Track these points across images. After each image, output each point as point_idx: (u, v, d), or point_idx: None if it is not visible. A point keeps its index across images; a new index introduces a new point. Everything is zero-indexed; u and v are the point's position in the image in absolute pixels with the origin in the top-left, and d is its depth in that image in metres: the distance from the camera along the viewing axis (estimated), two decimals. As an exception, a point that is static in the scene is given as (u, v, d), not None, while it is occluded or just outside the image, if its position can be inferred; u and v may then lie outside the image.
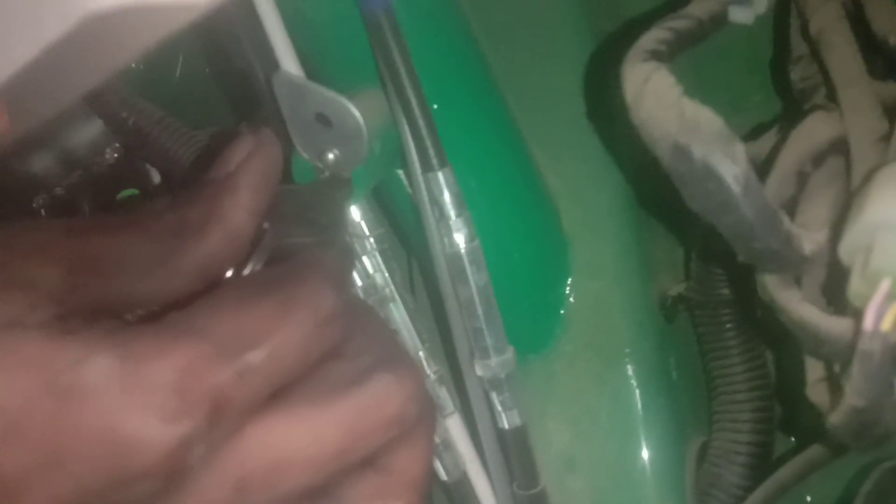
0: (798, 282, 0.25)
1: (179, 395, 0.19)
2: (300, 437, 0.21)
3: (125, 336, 0.20)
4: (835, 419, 0.22)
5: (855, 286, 0.22)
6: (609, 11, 0.40)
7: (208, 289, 0.23)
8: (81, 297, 0.21)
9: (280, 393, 0.21)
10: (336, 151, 0.31)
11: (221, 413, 0.20)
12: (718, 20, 0.29)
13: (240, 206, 0.25)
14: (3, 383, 0.19)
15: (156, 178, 0.44)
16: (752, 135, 0.36)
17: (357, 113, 0.30)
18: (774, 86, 0.39)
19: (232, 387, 0.20)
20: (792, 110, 0.34)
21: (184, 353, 0.20)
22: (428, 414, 0.24)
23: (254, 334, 0.21)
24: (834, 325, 0.23)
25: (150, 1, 0.12)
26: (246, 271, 0.25)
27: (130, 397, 0.19)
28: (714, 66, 0.40)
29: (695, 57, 0.32)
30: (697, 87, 0.41)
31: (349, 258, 0.33)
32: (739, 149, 0.21)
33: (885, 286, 0.21)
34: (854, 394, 0.21)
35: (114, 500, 0.19)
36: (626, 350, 0.40)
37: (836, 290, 0.23)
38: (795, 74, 0.33)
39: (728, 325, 0.39)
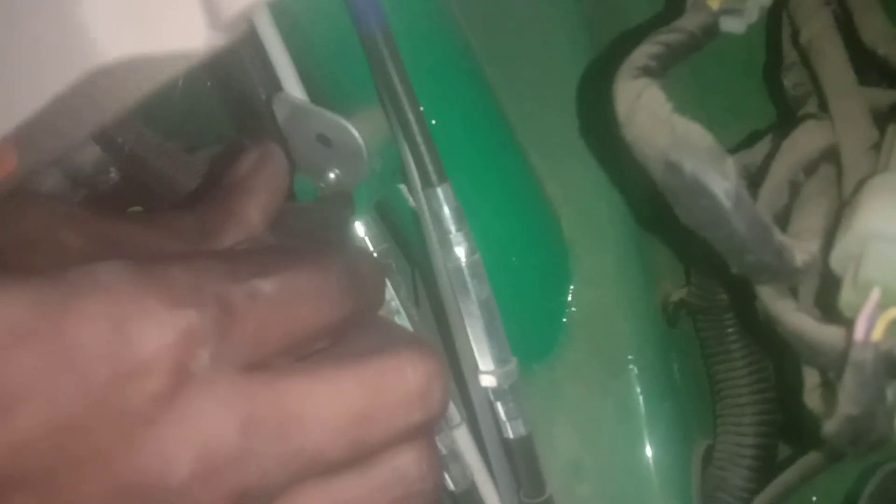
0: (794, 291, 0.26)
1: (189, 288, 0.19)
2: (319, 392, 0.20)
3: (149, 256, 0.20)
4: (830, 427, 0.23)
5: (846, 296, 0.22)
6: (608, 20, 0.40)
7: None
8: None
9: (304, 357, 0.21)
10: (337, 171, 0.32)
11: (229, 323, 0.19)
12: (710, 32, 0.30)
13: (255, 207, 0.26)
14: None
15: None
16: (748, 140, 0.37)
17: (356, 133, 0.31)
18: (770, 91, 0.39)
19: (241, 301, 0.19)
20: (786, 116, 0.35)
21: (199, 261, 0.20)
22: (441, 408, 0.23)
23: (269, 269, 0.21)
24: (827, 335, 0.23)
25: (151, 53, 0.13)
26: None
27: (140, 287, 0.18)
28: (711, 70, 0.41)
29: (692, 62, 0.32)
30: (695, 91, 0.41)
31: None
32: (730, 164, 0.22)
33: (875, 296, 0.21)
34: (847, 402, 0.21)
35: (118, 403, 0.18)
36: (630, 356, 0.40)
37: (829, 299, 0.23)
38: (788, 81, 0.33)
39: (730, 330, 0.40)
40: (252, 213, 0.26)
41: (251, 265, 0.21)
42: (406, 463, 0.22)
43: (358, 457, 0.21)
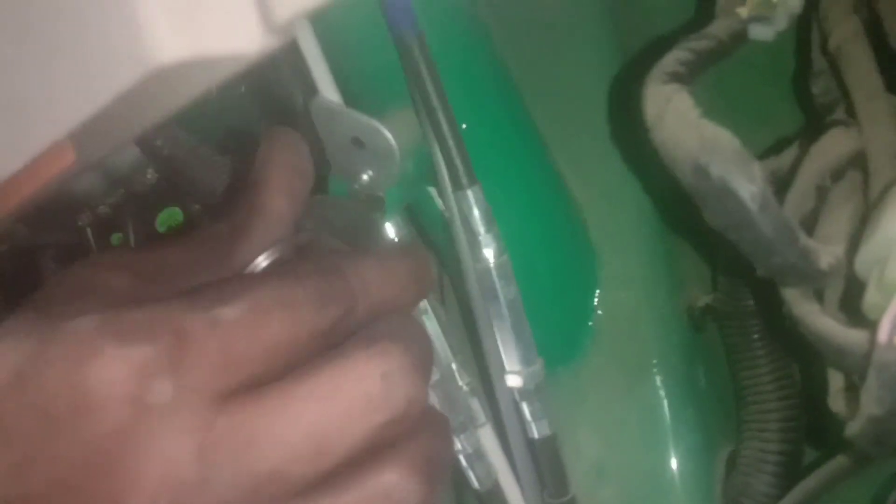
0: (820, 295, 0.26)
1: (143, 326, 0.20)
2: (273, 412, 0.20)
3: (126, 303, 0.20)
4: (853, 429, 0.23)
5: (871, 298, 0.22)
6: (635, 27, 0.40)
7: None
8: (149, 296, 0.22)
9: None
10: (370, 172, 0.33)
11: (188, 355, 0.20)
12: (739, 38, 0.30)
13: (274, 193, 0.26)
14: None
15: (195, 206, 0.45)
16: (776, 147, 0.37)
17: (390, 136, 0.31)
18: (797, 98, 0.40)
19: (200, 332, 0.20)
20: (814, 123, 0.35)
21: (161, 303, 0.20)
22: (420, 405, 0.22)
23: (231, 294, 0.21)
24: (852, 337, 0.23)
25: (207, 54, 0.14)
26: (269, 254, 0.25)
27: (98, 332, 0.20)
28: (739, 78, 0.41)
29: (719, 69, 0.33)
30: (723, 98, 0.42)
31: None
32: (756, 168, 0.22)
33: (900, 299, 0.21)
34: (871, 403, 0.22)
35: (79, 438, 0.19)
36: (655, 361, 0.40)
37: (854, 302, 0.24)
38: (817, 88, 0.33)
39: (756, 336, 0.40)
40: (274, 201, 0.26)
41: (215, 292, 0.21)
42: (390, 481, 0.21)
43: (327, 472, 0.21)
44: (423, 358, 0.23)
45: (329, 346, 0.22)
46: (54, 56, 0.14)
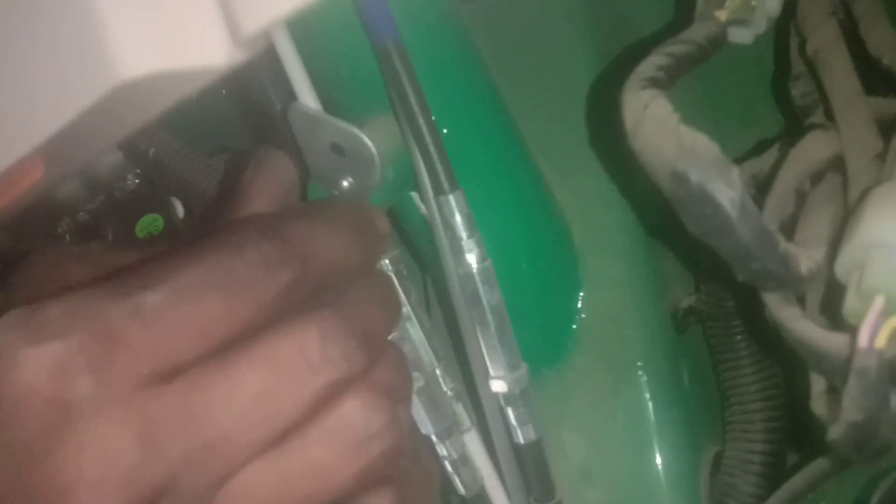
0: (801, 299, 0.26)
1: (57, 324, 0.19)
2: (216, 384, 0.20)
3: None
4: (834, 433, 0.23)
5: (850, 303, 0.22)
6: (618, 30, 0.41)
7: None
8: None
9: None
10: (350, 179, 0.33)
11: (107, 346, 0.19)
12: (718, 42, 0.30)
13: (259, 210, 0.26)
14: None
15: (178, 207, 0.45)
16: (757, 148, 0.37)
17: (370, 143, 0.31)
18: (778, 99, 0.40)
19: (120, 322, 0.19)
20: (796, 123, 0.35)
21: (79, 295, 0.20)
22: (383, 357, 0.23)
23: (155, 278, 0.20)
24: (832, 342, 0.23)
25: (173, 69, 0.13)
26: None
27: (14, 331, 0.19)
28: (720, 78, 0.41)
29: (701, 70, 0.33)
30: (704, 99, 0.42)
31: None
32: (735, 174, 0.22)
33: (879, 303, 0.21)
34: (852, 408, 0.22)
35: (7, 441, 0.19)
36: (639, 362, 0.40)
37: (835, 306, 0.24)
38: (796, 91, 0.33)
39: (739, 336, 0.40)
40: None
41: (139, 278, 0.20)
42: (348, 410, 0.22)
43: (283, 428, 0.21)
44: (369, 316, 0.23)
45: (283, 314, 0.22)
46: (20, 71, 0.14)
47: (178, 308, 0.20)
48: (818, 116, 0.31)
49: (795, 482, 0.32)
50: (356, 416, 0.22)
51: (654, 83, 0.25)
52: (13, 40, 0.14)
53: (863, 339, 0.22)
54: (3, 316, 0.20)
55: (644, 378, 0.40)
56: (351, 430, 0.22)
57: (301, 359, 0.21)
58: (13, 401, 0.19)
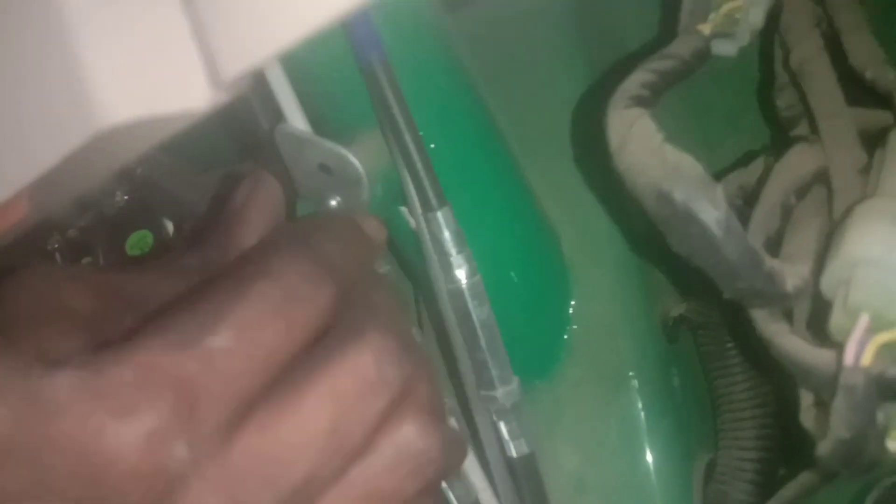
0: (788, 313, 0.26)
1: (138, 390, 0.18)
2: (288, 426, 0.20)
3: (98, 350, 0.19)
4: (822, 449, 0.23)
5: (836, 320, 0.22)
6: (605, 41, 0.41)
7: None
8: (116, 326, 0.21)
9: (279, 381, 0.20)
10: (339, 198, 0.33)
11: (193, 404, 0.19)
12: (702, 56, 0.30)
13: (253, 236, 0.26)
14: None
15: (168, 225, 0.45)
16: (744, 158, 0.37)
17: (357, 163, 0.31)
18: (763, 108, 0.40)
19: (198, 374, 0.19)
20: (781, 133, 0.35)
21: (144, 349, 0.19)
22: (417, 371, 0.23)
23: (216, 317, 0.20)
24: (820, 358, 0.23)
25: (155, 114, 0.13)
26: None
27: (94, 402, 0.18)
28: (707, 87, 0.41)
29: (688, 79, 0.33)
30: (691, 108, 0.42)
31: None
32: (720, 193, 0.22)
33: (864, 321, 0.22)
34: (839, 425, 0.22)
35: None
36: (631, 372, 0.40)
37: (822, 321, 0.24)
38: (781, 102, 0.34)
39: (729, 345, 0.40)
40: (249, 242, 0.26)
41: (199, 318, 0.20)
42: (406, 437, 0.22)
43: (352, 455, 0.21)
44: (399, 325, 0.24)
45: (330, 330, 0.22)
46: (1, 117, 0.14)
47: (243, 345, 0.20)
48: (803, 128, 0.31)
49: (787, 492, 0.32)
50: (415, 441, 0.23)
51: (639, 101, 0.25)
52: (-6, 85, 0.14)
53: (849, 357, 0.22)
54: (56, 372, 0.18)
55: (636, 387, 0.40)
56: (411, 456, 0.22)
57: (361, 383, 0.22)
58: (113, 479, 0.18)
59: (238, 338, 0.20)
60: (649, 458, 0.40)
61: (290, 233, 0.25)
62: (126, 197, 0.45)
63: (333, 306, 0.22)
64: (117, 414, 0.18)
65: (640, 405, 0.40)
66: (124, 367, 0.19)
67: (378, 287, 0.26)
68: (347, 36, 0.30)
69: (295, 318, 0.21)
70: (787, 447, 0.39)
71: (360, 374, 0.22)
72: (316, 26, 0.14)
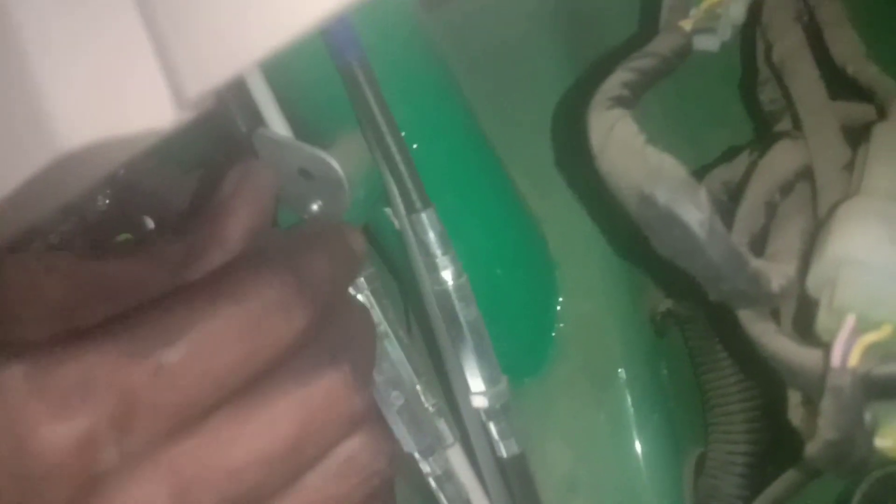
0: (775, 312, 0.26)
1: (79, 393, 0.19)
2: (244, 437, 0.20)
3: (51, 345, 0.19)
4: (811, 450, 0.23)
5: (822, 320, 0.22)
6: (590, 39, 0.40)
7: None
8: (89, 313, 0.21)
9: (232, 398, 0.20)
10: (320, 202, 0.32)
11: (130, 413, 0.19)
12: (683, 53, 0.30)
13: (236, 227, 0.25)
14: None
15: (149, 222, 0.44)
16: (729, 152, 0.37)
17: (338, 167, 0.31)
18: (746, 102, 0.40)
19: (143, 383, 0.19)
20: (765, 127, 0.35)
21: (95, 353, 0.19)
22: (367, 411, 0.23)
23: (174, 332, 0.20)
24: (806, 358, 0.23)
25: (117, 134, 0.13)
26: None
27: (35, 397, 0.18)
28: (691, 80, 0.41)
29: (675, 72, 0.33)
30: (675, 101, 0.42)
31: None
32: (702, 195, 0.22)
33: (850, 322, 0.21)
34: (827, 427, 0.22)
35: None
36: (620, 368, 0.40)
37: (808, 320, 0.24)
38: (764, 96, 0.33)
39: (718, 339, 0.40)
40: (236, 233, 0.25)
41: (155, 331, 0.20)
42: (355, 450, 0.23)
43: (307, 467, 0.22)
44: (368, 352, 0.25)
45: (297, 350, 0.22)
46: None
47: (199, 362, 0.20)
48: (786, 123, 0.31)
49: (776, 487, 0.32)
50: (365, 453, 0.23)
51: (620, 102, 0.24)
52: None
53: (835, 359, 0.21)
54: (9, 364, 0.19)
55: (625, 383, 0.40)
56: (361, 466, 0.23)
57: (323, 409, 0.22)
58: (38, 477, 0.18)
59: (192, 353, 0.20)
60: (639, 452, 0.40)
61: (277, 245, 0.24)
62: (108, 201, 0.45)
63: (308, 329, 0.22)
64: (54, 413, 0.18)
65: (629, 400, 0.40)
66: (71, 367, 0.19)
67: (354, 309, 0.26)
68: (323, 36, 0.30)
69: (261, 341, 0.21)
70: (776, 441, 0.39)
71: (323, 400, 0.22)
72: (284, 41, 0.13)
